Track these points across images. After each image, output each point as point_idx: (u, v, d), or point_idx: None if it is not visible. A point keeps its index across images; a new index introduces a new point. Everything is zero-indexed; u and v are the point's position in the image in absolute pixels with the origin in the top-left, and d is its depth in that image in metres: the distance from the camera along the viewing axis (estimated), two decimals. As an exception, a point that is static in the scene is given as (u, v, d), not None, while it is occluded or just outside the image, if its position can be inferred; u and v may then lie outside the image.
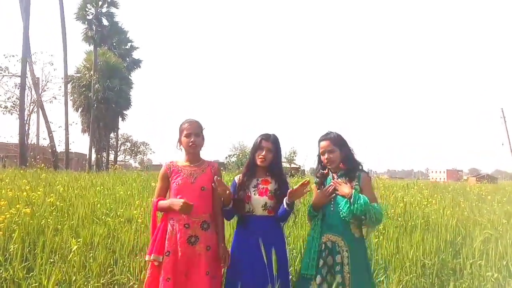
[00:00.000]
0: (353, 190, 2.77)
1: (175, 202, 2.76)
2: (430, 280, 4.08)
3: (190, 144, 2.90)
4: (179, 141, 2.98)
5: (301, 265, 2.89)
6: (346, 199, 2.78)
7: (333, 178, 2.95)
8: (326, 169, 3.01)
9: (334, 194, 2.88)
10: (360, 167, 2.97)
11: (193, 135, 2.91)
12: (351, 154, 2.97)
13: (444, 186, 14.91)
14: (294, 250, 4.34)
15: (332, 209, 2.86)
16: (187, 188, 2.85)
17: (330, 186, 2.89)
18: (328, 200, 2.88)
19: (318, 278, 2.75)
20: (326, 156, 2.92)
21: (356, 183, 2.86)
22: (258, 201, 2.91)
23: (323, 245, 2.81)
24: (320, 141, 2.99)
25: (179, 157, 3.04)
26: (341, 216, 2.79)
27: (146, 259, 2.88)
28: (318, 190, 3.00)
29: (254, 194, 2.94)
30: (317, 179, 3.05)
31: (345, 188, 2.81)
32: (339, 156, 2.92)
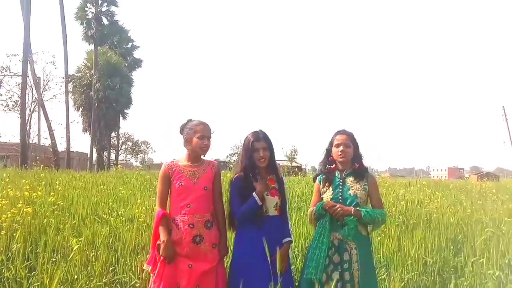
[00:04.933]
0: (355, 209, 2.77)
1: (164, 246, 2.72)
2: (432, 278, 4.08)
3: (204, 147, 2.89)
4: (188, 140, 2.90)
5: (307, 269, 2.82)
6: (351, 218, 2.75)
7: (340, 176, 2.94)
8: (334, 165, 2.99)
9: (341, 192, 2.88)
10: (368, 171, 3.00)
11: (206, 138, 2.90)
12: (361, 156, 2.99)
13: (445, 184, 14.89)
14: (296, 249, 4.34)
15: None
16: (190, 188, 2.84)
17: (338, 207, 2.80)
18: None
19: (324, 276, 2.74)
20: (341, 148, 2.89)
21: (365, 183, 2.90)
22: (271, 202, 2.89)
23: (330, 243, 2.81)
24: (337, 134, 2.98)
25: (179, 156, 3.01)
26: (347, 236, 2.76)
27: (145, 267, 2.96)
28: (325, 190, 2.96)
29: (267, 195, 2.89)
30: (322, 175, 3.03)
31: (346, 208, 2.79)
32: (352, 153, 2.93)
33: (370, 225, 2.83)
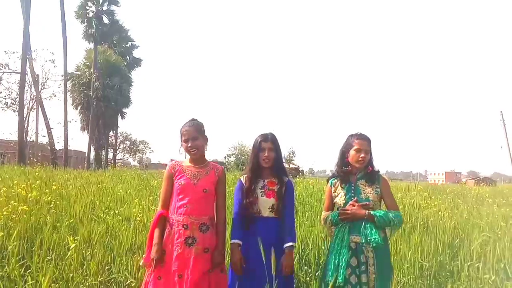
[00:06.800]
0: (368, 212, 2.75)
1: (154, 249, 2.72)
2: (428, 282, 4.08)
3: (189, 149, 2.88)
4: (181, 143, 2.94)
5: (327, 272, 2.81)
6: (370, 225, 2.72)
7: (352, 180, 2.93)
8: (349, 167, 2.96)
9: (354, 196, 2.86)
10: (379, 173, 2.99)
11: (190, 140, 2.87)
12: (372, 159, 2.97)
13: (443, 188, 14.91)
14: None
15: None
16: (189, 189, 2.82)
17: (348, 209, 2.80)
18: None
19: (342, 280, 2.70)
20: (362, 155, 2.87)
21: (377, 186, 2.88)
22: (266, 203, 2.90)
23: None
24: (357, 138, 2.93)
25: (184, 157, 3.01)
26: (373, 244, 2.70)
27: (140, 263, 2.93)
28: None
29: (262, 196, 2.91)
30: (334, 179, 3.01)
31: (359, 212, 2.76)
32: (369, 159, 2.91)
33: (387, 228, 2.81)
